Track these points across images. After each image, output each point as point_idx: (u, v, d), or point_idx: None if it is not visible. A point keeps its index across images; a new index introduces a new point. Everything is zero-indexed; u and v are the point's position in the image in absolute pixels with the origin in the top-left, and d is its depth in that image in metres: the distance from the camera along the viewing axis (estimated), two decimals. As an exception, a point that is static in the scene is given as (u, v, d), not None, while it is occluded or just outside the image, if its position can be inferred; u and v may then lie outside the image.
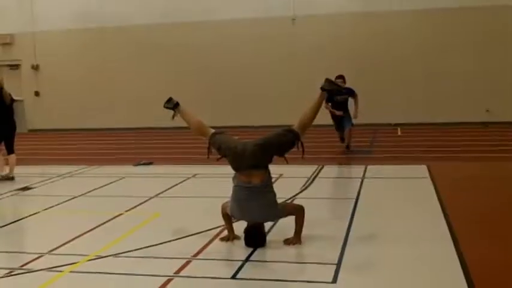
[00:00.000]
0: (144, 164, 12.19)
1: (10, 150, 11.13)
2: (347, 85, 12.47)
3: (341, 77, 12.15)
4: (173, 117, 6.86)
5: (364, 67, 17.82)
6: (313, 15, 18.25)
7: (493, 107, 17.40)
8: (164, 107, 6.88)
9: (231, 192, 6.17)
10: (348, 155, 12.52)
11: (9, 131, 11.17)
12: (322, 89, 6.55)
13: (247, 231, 6.14)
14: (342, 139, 12.95)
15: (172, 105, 6.80)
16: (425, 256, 5.71)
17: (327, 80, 6.61)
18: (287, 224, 6.38)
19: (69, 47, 20.20)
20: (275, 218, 6.35)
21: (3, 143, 11.18)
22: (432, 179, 9.35)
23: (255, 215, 6.03)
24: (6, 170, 11.06)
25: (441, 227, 6.63)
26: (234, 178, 6.15)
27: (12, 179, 10.82)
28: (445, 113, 17.53)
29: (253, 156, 6.02)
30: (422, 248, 5.97)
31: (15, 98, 20.22)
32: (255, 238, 6.10)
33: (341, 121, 12.59)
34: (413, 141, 14.51)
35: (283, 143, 6.25)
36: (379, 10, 17.93)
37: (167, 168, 11.76)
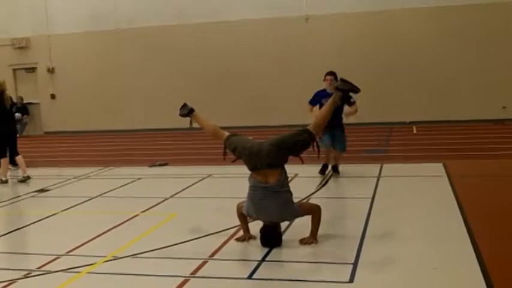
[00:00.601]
0: (159, 165, 12.23)
1: (16, 153, 11.25)
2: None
3: (331, 73, 9.94)
4: (190, 124, 6.92)
5: (378, 65, 17.78)
6: (327, 14, 18.20)
7: (510, 104, 17.25)
8: (180, 114, 6.97)
9: (246, 192, 6.17)
10: (361, 154, 12.46)
11: (13, 134, 11.33)
12: (337, 88, 6.51)
13: (263, 231, 6.14)
14: (324, 168, 10.01)
15: (187, 111, 6.90)
16: (442, 254, 5.67)
17: (342, 80, 6.57)
18: (303, 223, 6.37)
19: (83, 49, 20.33)
20: (291, 217, 6.34)
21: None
22: (448, 177, 9.29)
23: (271, 215, 6.02)
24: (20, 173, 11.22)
25: (458, 225, 6.59)
26: (250, 178, 6.15)
27: (28, 178, 10.93)
28: (460, 110, 17.41)
29: (269, 155, 6.02)
30: (439, 246, 5.94)
31: (32, 101, 20.68)
32: (271, 238, 6.10)
33: (332, 139, 9.81)
34: (429, 140, 14.42)
35: (298, 143, 6.24)
36: (392, 8, 17.84)
37: (182, 169, 11.79)
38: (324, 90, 9.86)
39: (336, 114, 8.85)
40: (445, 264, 5.42)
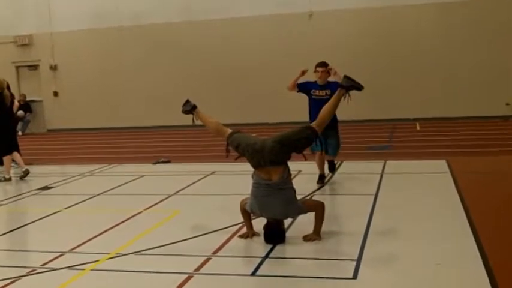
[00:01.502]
0: (162, 162, 12.24)
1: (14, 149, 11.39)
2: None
3: (323, 64, 9.05)
4: (193, 120, 6.93)
5: (383, 62, 17.76)
6: (330, 10, 18.16)
7: (513, 100, 17.24)
8: (182, 111, 6.98)
9: (250, 189, 6.17)
10: (364, 151, 12.44)
11: (14, 132, 11.51)
12: (341, 86, 6.50)
13: (266, 227, 6.14)
14: (321, 178, 9.09)
15: (190, 107, 6.90)
16: (446, 252, 5.66)
17: (346, 77, 6.56)
18: (306, 220, 6.37)
19: (86, 46, 20.32)
20: (295, 214, 6.33)
21: None
22: (452, 174, 9.27)
23: (275, 212, 6.02)
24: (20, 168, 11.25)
25: (462, 223, 6.57)
26: (253, 175, 6.15)
27: (10, 179, 11.02)
28: (464, 107, 17.36)
29: (272, 152, 6.01)
30: (443, 243, 5.93)
31: (35, 98, 20.75)
32: (275, 235, 6.10)
33: (325, 140, 8.01)
34: (432, 136, 14.39)
35: (301, 140, 6.25)
36: (396, 4, 17.77)
37: (186, 166, 11.80)
38: (315, 82, 9.00)
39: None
40: (449, 261, 5.41)
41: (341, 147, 9.35)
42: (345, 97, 6.45)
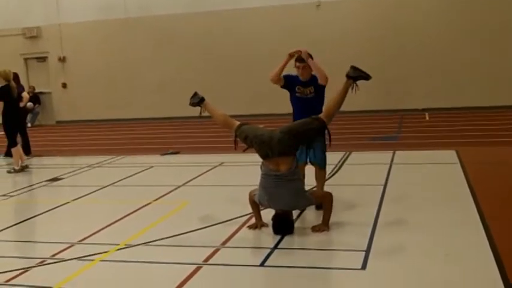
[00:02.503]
0: (171, 153, 12.25)
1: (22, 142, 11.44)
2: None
3: (302, 59, 7.09)
4: (200, 113, 6.90)
5: (391, 52, 17.66)
6: (338, 1, 18.07)
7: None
8: (190, 104, 6.92)
9: (258, 180, 6.16)
10: (374, 141, 12.41)
11: (21, 123, 11.53)
12: (348, 76, 6.46)
13: (275, 218, 6.14)
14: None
15: (198, 100, 6.85)
16: (455, 242, 5.65)
17: (353, 67, 6.50)
18: (315, 211, 6.37)
19: (95, 38, 20.32)
20: (303, 205, 6.33)
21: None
22: (461, 164, 9.23)
23: (284, 203, 6.02)
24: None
25: (471, 213, 6.55)
26: (261, 166, 6.14)
27: (26, 167, 11.11)
28: (474, 97, 17.25)
29: (280, 144, 6.00)
30: (452, 234, 5.91)
31: (44, 90, 20.77)
32: (283, 225, 6.09)
33: (309, 146, 6.76)
34: (441, 126, 14.34)
35: (309, 131, 6.23)
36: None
37: (194, 157, 11.81)
38: (298, 77, 7.26)
39: (310, 107, 6.86)
40: (458, 251, 5.39)
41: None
42: (352, 87, 6.41)
